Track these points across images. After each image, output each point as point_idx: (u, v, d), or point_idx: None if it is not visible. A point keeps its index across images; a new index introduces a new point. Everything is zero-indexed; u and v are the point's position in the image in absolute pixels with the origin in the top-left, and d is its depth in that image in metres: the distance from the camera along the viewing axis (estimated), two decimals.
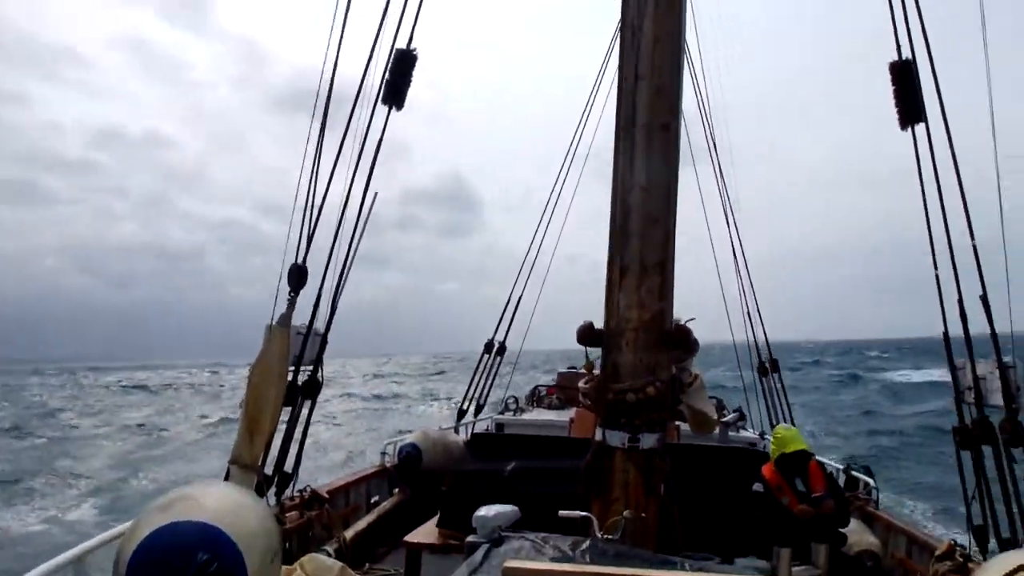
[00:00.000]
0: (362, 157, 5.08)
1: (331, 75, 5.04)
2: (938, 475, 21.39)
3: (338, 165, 5.01)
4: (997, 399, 4.67)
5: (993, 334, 4.63)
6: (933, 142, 4.82)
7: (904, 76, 5.04)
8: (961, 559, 4.94)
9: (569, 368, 17.20)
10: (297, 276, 4.93)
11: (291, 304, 4.88)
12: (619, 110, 4.38)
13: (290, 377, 4.95)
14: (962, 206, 4.65)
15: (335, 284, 5.16)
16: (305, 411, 5.20)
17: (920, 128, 4.89)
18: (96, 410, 46.28)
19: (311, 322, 5.17)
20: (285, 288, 4.84)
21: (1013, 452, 4.60)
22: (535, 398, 13.97)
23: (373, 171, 5.10)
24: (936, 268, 4.84)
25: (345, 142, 5.00)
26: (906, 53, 4.97)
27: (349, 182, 5.08)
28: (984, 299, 4.64)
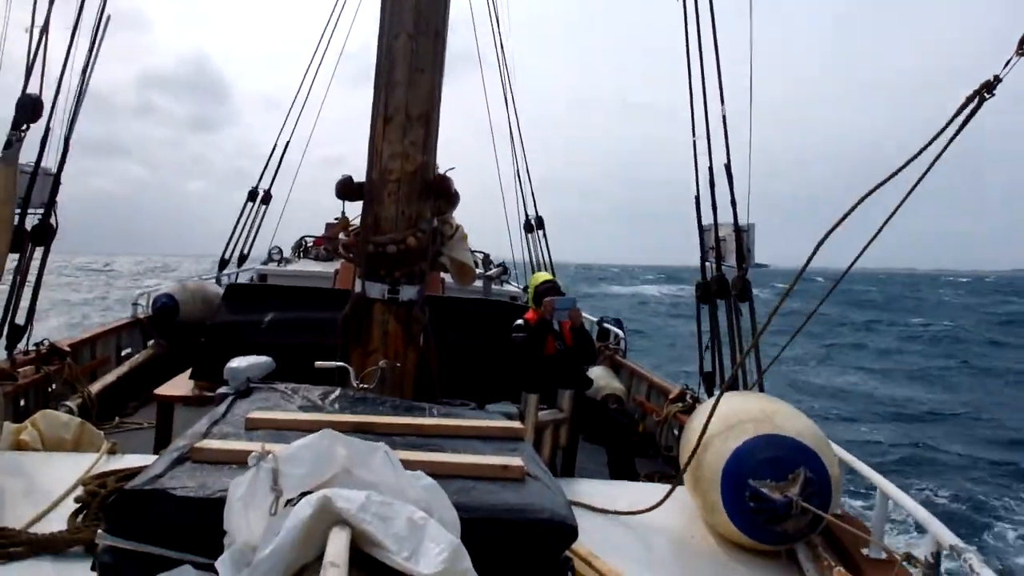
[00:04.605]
0: None
1: None
2: None
3: None
4: (733, 259, 5.19)
5: (733, 201, 5.06)
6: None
7: None
8: (691, 400, 5.62)
9: (337, 218, 16.88)
10: (31, 109, 4.34)
11: (20, 140, 4.30)
12: None
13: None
14: (716, 77, 4.94)
15: (67, 116, 4.56)
16: (37, 259, 4.70)
17: None
18: None
19: (39, 159, 4.55)
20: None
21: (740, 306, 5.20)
22: (301, 249, 13.26)
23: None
24: (694, 135, 5.17)
25: None
26: None
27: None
28: (727, 167, 5.05)
